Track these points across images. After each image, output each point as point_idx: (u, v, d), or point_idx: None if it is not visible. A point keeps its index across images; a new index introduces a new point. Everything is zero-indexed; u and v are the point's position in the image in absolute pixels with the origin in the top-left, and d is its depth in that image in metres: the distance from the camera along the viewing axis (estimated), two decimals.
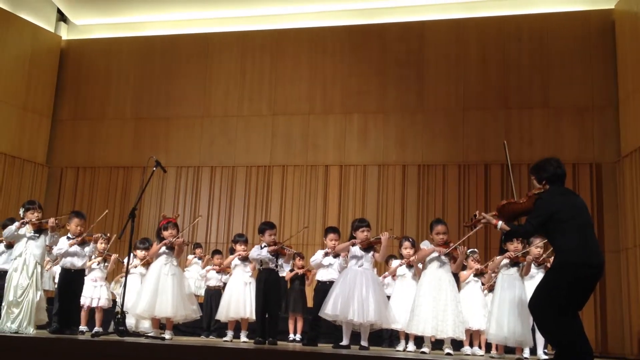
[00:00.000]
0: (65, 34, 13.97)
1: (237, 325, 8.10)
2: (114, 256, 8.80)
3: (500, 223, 5.23)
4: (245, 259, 8.11)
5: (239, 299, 7.91)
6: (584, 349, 4.78)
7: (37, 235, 7.00)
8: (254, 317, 7.76)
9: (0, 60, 12.53)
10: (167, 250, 7.37)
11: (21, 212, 7.16)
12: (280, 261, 7.54)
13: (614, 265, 10.29)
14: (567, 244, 4.90)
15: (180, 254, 7.63)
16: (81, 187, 13.22)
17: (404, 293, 7.67)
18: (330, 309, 6.92)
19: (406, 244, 8.05)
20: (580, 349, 4.77)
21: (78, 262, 7.58)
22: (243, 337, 7.92)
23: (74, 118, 13.59)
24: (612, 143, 10.96)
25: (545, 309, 4.93)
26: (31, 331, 6.80)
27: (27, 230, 6.98)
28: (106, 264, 8.66)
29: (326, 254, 7.81)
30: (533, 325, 6.95)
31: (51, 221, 7.05)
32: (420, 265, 7.22)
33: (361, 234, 7.15)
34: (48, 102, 13.51)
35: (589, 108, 11.23)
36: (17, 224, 7.03)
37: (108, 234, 8.86)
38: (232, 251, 8.66)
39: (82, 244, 7.65)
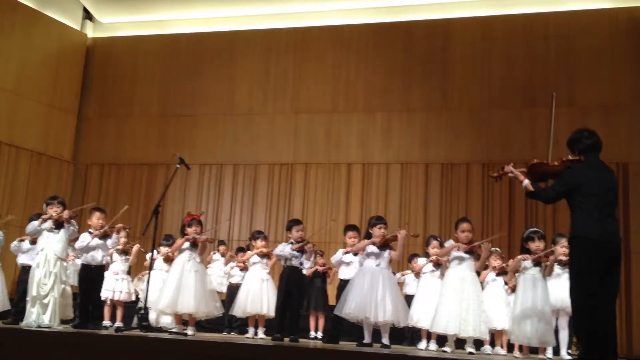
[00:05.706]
0: (91, 32, 14.10)
1: (256, 322, 8.12)
2: (135, 247, 8.84)
3: (526, 181, 5.28)
4: (264, 256, 8.12)
5: (256, 295, 7.91)
6: (605, 345, 4.71)
7: (57, 229, 7.09)
8: (270, 313, 7.78)
9: (28, 58, 12.69)
10: (190, 247, 7.38)
11: (44, 207, 7.28)
12: (302, 259, 7.55)
13: None
14: (580, 219, 4.93)
15: (203, 251, 7.64)
16: (106, 184, 13.34)
17: (429, 292, 7.60)
18: (347, 309, 6.91)
19: (434, 243, 8.00)
20: (602, 343, 4.71)
21: (99, 256, 7.62)
22: (260, 334, 7.94)
23: (99, 115, 13.72)
24: None
25: (571, 289, 5.00)
26: (56, 326, 6.87)
27: (49, 225, 7.07)
28: (127, 256, 8.69)
29: (346, 252, 7.82)
30: (556, 326, 6.91)
31: (65, 213, 7.13)
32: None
33: (378, 231, 7.11)
34: (74, 100, 13.65)
35: (616, 107, 11.05)
36: (38, 220, 7.14)
37: (129, 227, 8.90)
38: (248, 247, 8.65)
39: (104, 236, 7.70)
